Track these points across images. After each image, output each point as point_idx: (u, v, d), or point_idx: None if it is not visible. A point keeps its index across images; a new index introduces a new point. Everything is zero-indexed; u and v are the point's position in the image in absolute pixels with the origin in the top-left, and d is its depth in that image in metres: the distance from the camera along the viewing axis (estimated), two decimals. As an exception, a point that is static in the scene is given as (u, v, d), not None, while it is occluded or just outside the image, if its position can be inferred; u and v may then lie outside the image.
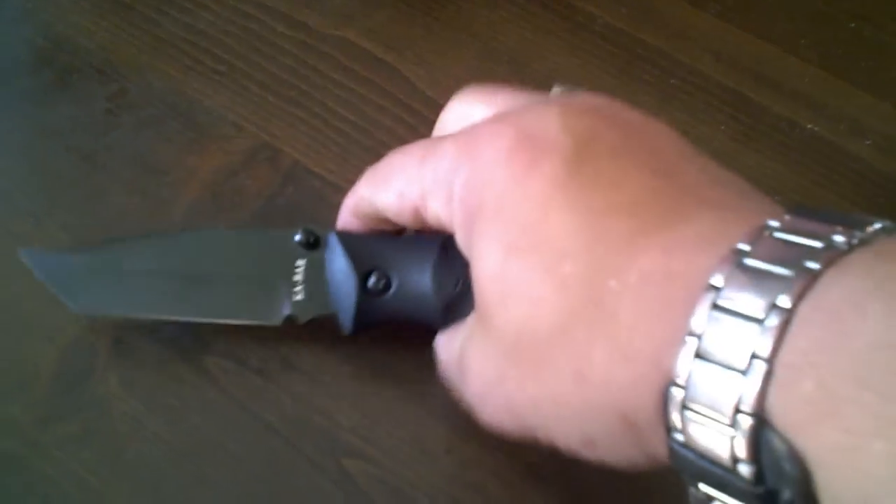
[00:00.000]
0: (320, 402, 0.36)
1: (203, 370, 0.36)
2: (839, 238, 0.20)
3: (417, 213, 0.31)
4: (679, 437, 0.21)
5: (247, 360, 0.37)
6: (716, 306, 0.20)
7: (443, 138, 0.30)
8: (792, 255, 0.20)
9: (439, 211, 0.29)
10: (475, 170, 0.27)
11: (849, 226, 0.20)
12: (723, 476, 0.21)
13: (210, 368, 0.36)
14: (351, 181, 0.35)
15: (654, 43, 0.49)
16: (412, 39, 0.48)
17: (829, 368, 0.18)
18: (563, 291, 0.24)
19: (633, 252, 0.24)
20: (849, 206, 0.43)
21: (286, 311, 0.35)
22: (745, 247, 0.21)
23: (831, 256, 0.19)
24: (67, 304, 0.35)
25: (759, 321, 0.19)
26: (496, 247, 0.26)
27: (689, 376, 0.20)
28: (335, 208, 0.37)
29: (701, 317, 0.20)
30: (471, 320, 0.30)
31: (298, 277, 0.35)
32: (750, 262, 0.20)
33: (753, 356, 0.19)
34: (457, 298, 0.32)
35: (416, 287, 0.33)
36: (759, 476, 0.20)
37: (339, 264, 0.35)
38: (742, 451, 0.20)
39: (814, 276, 0.19)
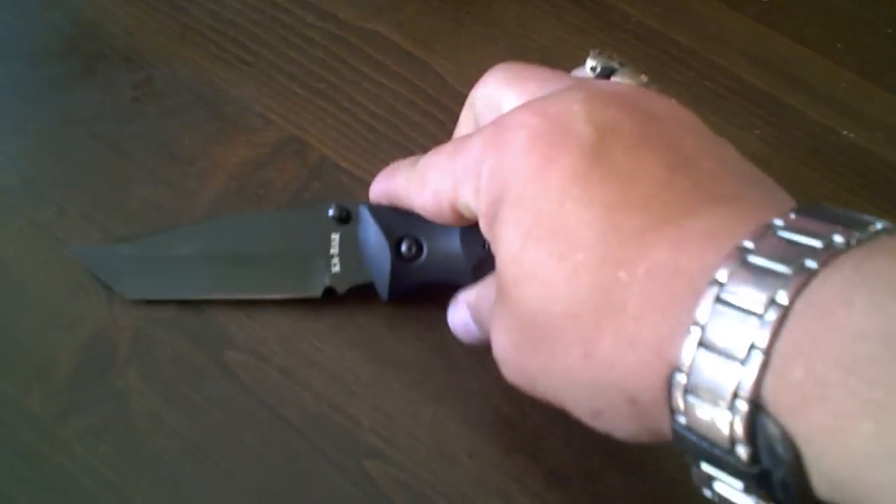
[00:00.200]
0: (342, 401, 0.36)
1: (224, 365, 0.36)
2: (839, 238, 0.21)
3: (454, 210, 0.32)
4: (681, 419, 0.23)
5: (268, 356, 0.36)
6: (719, 300, 0.22)
7: (471, 134, 0.31)
8: (792, 254, 0.21)
9: (469, 200, 0.30)
10: (500, 160, 0.28)
11: (850, 226, 0.21)
12: (721, 456, 0.22)
13: (231, 364, 0.36)
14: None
15: (688, 44, 0.49)
16: (442, 34, 0.48)
17: (818, 357, 0.19)
18: (574, 279, 0.25)
19: (642, 246, 0.25)
20: (885, 217, 0.42)
21: (325, 282, 0.37)
22: (750, 244, 0.22)
23: (829, 256, 0.21)
24: (122, 293, 0.37)
25: (759, 315, 0.21)
26: (516, 233, 0.27)
27: (693, 363, 0.22)
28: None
29: (705, 309, 0.22)
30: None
31: (334, 251, 0.37)
32: (753, 259, 0.22)
33: (752, 347, 0.20)
34: (485, 259, 0.34)
35: (447, 250, 0.36)
36: (754, 457, 0.21)
37: (372, 234, 0.36)
38: (739, 434, 0.21)
39: (811, 275, 0.20)
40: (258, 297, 0.37)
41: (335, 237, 0.37)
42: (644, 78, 0.40)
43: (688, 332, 0.22)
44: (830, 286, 0.20)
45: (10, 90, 0.44)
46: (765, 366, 0.20)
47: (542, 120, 0.28)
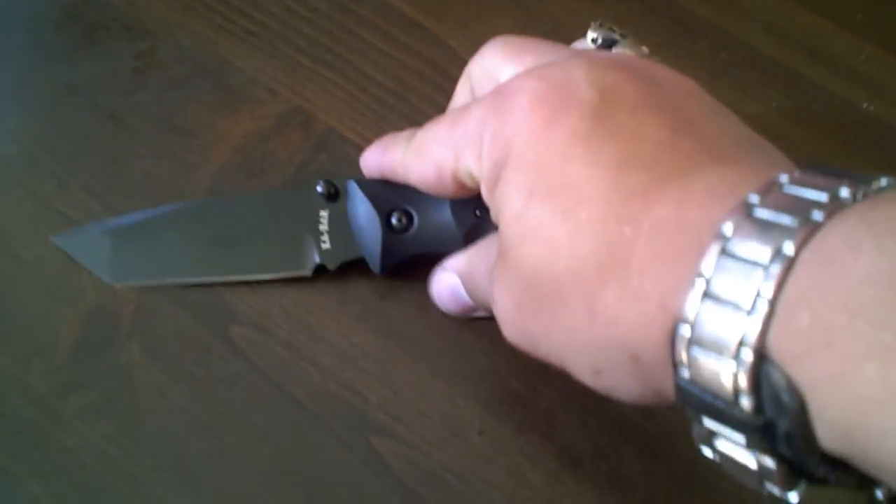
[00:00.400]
0: (348, 377, 0.35)
1: (228, 340, 0.35)
2: (845, 191, 0.21)
3: (456, 179, 0.31)
4: (685, 372, 0.23)
5: (273, 330, 0.36)
6: (724, 252, 0.22)
7: (470, 104, 0.31)
8: (798, 207, 0.21)
9: (471, 166, 0.30)
10: (502, 124, 0.28)
11: (856, 181, 0.21)
12: (724, 409, 0.22)
13: (235, 339, 0.35)
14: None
15: (703, 14, 0.48)
16: (453, 4, 0.47)
17: (823, 303, 0.19)
18: (578, 235, 0.26)
19: (647, 202, 0.25)
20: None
21: (316, 259, 0.36)
22: (755, 199, 0.22)
23: (835, 207, 0.21)
24: (103, 278, 0.36)
25: (765, 266, 0.21)
26: (519, 193, 0.27)
27: (697, 315, 0.22)
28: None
29: (710, 261, 0.22)
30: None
31: (323, 227, 0.37)
32: (759, 213, 0.22)
33: (757, 296, 0.20)
34: (476, 227, 0.34)
35: (438, 220, 0.35)
36: (758, 408, 0.21)
37: (361, 209, 0.36)
38: (744, 385, 0.21)
39: (817, 226, 0.20)
40: (247, 278, 0.37)
41: (324, 214, 0.37)
42: (645, 49, 0.39)
43: (692, 284, 0.22)
44: (836, 235, 0.20)
45: (9, 60, 0.43)
46: (770, 315, 0.20)
47: (544, 83, 0.28)
